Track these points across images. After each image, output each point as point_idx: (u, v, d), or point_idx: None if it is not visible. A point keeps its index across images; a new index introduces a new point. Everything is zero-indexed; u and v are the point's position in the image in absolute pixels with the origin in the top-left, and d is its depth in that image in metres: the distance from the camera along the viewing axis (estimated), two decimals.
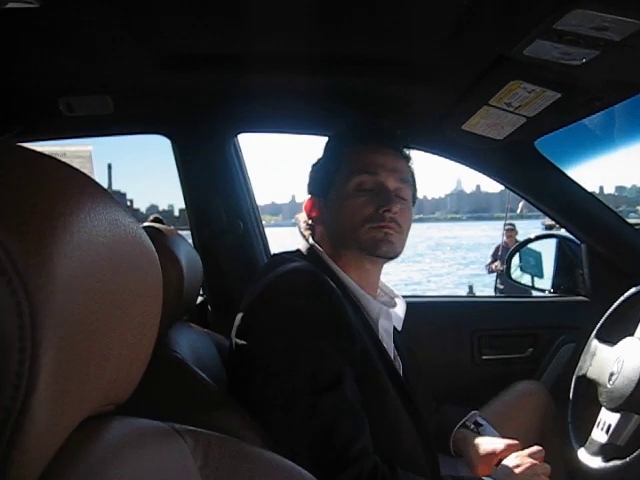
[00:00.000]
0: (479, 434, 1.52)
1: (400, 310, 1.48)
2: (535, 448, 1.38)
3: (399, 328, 1.48)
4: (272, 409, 1.16)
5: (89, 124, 2.03)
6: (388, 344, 1.40)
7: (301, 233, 1.48)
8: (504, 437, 1.50)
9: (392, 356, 1.41)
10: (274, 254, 1.48)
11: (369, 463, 1.11)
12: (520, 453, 1.36)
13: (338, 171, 1.41)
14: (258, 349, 1.21)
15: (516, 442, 1.40)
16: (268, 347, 1.19)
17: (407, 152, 1.46)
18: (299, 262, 1.34)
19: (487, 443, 1.45)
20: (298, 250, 1.44)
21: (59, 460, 0.42)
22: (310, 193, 1.48)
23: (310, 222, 1.47)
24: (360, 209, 1.35)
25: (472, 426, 1.55)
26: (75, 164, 0.46)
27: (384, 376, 1.29)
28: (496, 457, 1.39)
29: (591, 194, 2.17)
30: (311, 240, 1.44)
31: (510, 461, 1.35)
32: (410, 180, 1.44)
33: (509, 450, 1.39)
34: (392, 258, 1.40)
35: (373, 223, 1.34)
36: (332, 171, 1.43)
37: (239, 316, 1.32)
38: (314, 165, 1.51)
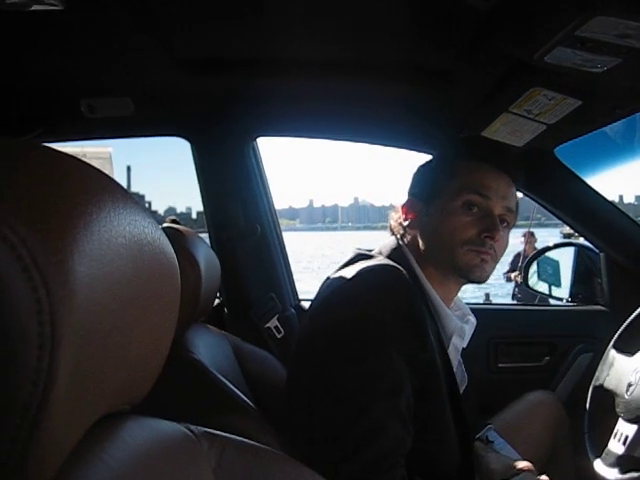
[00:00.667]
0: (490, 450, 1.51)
1: (470, 328, 1.46)
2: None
3: (465, 346, 1.45)
4: (326, 402, 1.14)
5: (110, 125, 2.05)
6: (454, 361, 1.38)
7: (392, 232, 1.46)
8: (516, 448, 1.49)
9: (455, 370, 1.39)
10: (357, 250, 1.43)
11: (399, 474, 1.10)
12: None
13: (448, 182, 1.37)
14: (331, 340, 1.19)
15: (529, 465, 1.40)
16: (341, 340, 1.17)
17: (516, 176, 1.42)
18: (384, 260, 1.32)
19: (501, 457, 1.45)
20: (382, 246, 1.42)
21: (77, 457, 0.42)
22: (411, 195, 1.45)
23: (404, 224, 1.43)
24: (463, 229, 1.32)
25: (485, 442, 1.54)
26: (95, 165, 0.46)
27: (444, 391, 1.28)
28: (511, 468, 1.39)
29: (611, 203, 2.15)
30: (401, 241, 1.41)
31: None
32: (515, 209, 1.40)
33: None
34: (479, 283, 1.38)
35: (473, 246, 1.32)
36: (441, 181, 1.38)
37: (316, 306, 1.31)
38: (423, 166, 1.47)
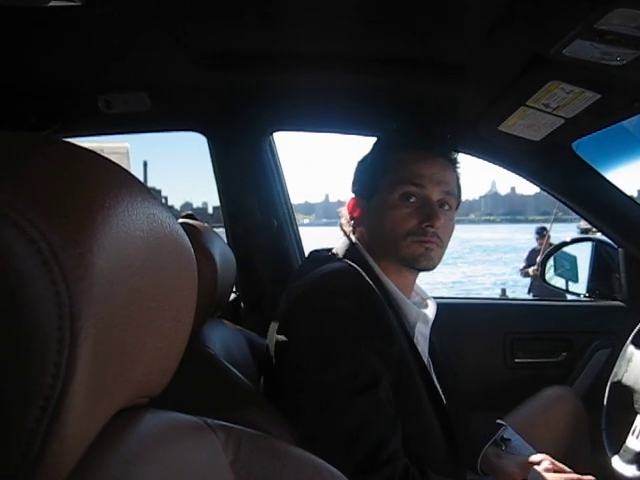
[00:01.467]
0: (507, 450, 1.51)
1: (430, 312, 1.47)
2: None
3: (429, 330, 1.46)
4: (307, 407, 1.16)
5: (127, 121, 2.06)
6: (423, 348, 1.40)
7: (342, 230, 1.47)
8: (533, 445, 1.48)
9: (426, 360, 1.40)
10: (312, 251, 1.47)
11: (400, 465, 1.11)
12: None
13: (384, 177, 1.38)
14: (299, 347, 1.21)
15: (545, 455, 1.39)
16: (309, 346, 1.19)
17: (454, 156, 1.42)
18: (341, 262, 1.33)
19: (516, 457, 1.44)
20: (337, 247, 1.43)
21: (94, 450, 0.42)
22: (354, 192, 1.46)
23: (351, 222, 1.45)
24: (403, 221, 1.33)
25: (501, 445, 1.53)
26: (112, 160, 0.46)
27: (418, 380, 1.29)
28: (528, 466, 1.38)
29: (629, 197, 2.13)
30: (354, 238, 1.42)
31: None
32: (456, 192, 1.40)
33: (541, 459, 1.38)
34: (429, 270, 1.38)
35: (415, 237, 1.33)
36: (377, 176, 1.40)
37: (280, 314, 1.32)
38: (360, 163, 1.47)
